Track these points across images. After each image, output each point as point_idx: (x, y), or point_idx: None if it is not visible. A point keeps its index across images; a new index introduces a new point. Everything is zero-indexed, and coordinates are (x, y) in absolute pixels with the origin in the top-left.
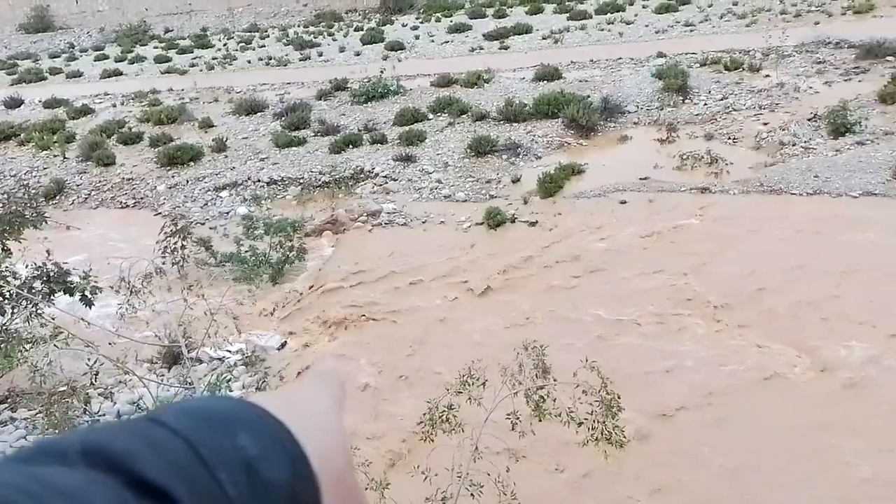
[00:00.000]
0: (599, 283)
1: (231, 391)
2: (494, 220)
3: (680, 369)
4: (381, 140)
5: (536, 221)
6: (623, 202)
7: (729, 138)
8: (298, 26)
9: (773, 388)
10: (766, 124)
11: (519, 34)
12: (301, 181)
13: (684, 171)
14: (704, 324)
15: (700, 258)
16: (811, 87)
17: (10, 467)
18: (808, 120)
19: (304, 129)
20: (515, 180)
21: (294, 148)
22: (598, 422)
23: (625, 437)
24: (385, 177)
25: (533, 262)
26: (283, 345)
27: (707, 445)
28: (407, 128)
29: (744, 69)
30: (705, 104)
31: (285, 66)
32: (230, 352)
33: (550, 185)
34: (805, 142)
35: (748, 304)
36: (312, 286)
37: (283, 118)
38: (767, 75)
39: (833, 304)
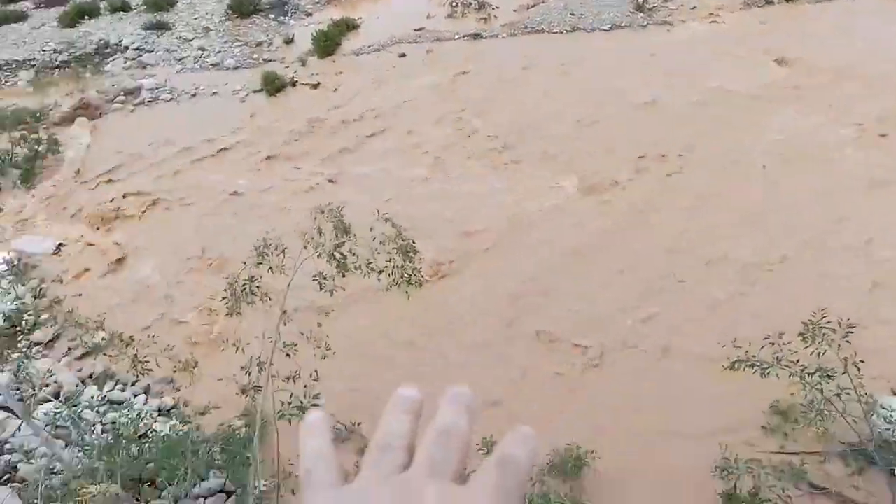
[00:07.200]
0: (390, 140)
1: None
2: (273, 86)
3: (471, 208)
4: (124, 7)
5: (319, 83)
6: (403, 55)
7: None
8: None
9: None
10: None
11: None
12: (33, 63)
13: (456, 19)
14: (492, 164)
15: (481, 103)
16: None
17: None
18: None
19: (20, 0)
20: (288, 41)
21: (13, 24)
22: (397, 267)
23: (423, 277)
24: (137, 49)
25: (323, 124)
26: (60, 247)
27: (509, 261)
28: None
29: None
30: None
31: None
32: None
33: (327, 44)
34: None
35: (521, 139)
36: (76, 179)
37: None
38: None
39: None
